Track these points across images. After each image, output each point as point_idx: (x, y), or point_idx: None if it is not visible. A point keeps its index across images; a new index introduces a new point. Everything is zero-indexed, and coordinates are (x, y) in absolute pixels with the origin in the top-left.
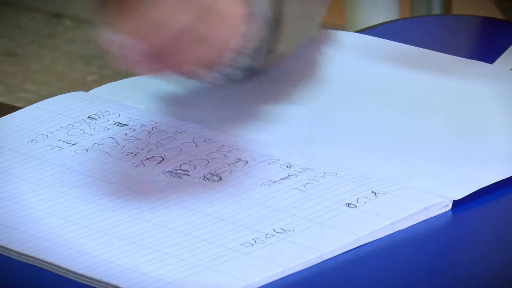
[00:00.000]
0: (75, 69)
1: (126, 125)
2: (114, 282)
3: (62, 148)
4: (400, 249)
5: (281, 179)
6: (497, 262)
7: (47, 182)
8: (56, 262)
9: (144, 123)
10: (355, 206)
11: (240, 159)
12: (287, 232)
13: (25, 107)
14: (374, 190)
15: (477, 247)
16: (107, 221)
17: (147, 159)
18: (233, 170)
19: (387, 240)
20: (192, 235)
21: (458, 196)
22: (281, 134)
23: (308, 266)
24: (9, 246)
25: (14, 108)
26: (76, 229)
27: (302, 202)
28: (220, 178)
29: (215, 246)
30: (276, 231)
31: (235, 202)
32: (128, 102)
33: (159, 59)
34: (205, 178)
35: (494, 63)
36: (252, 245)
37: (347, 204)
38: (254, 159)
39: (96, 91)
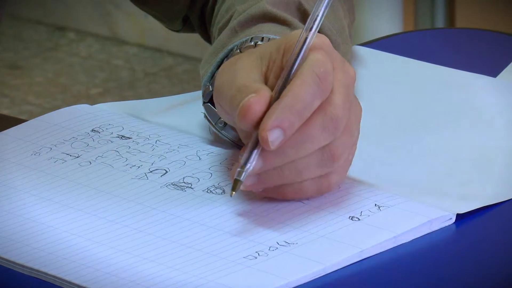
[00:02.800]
0: (78, 82)
1: (130, 138)
2: None
3: (66, 161)
4: (403, 262)
5: None
6: (501, 276)
7: (50, 194)
8: (60, 275)
9: (148, 136)
10: (359, 219)
11: None
12: (290, 245)
13: (28, 120)
14: (377, 204)
15: (480, 261)
16: (111, 234)
17: (151, 171)
18: None
19: (391, 253)
20: (195, 248)
21: (462, 210)
22: None
23: (312, 279)
24: (13, 259)
25: (17, 121)
26: (79, 242)
27: (306, 215)
28: (224, 191)
29: (219, 259)
30: (279, 244)
31: (238, 214)
32: (132, 116)
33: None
34: (209, 191)
35: (498, 77)
36: (256, 257)
37: (350, 217)
38: None
39: (100, 106)
